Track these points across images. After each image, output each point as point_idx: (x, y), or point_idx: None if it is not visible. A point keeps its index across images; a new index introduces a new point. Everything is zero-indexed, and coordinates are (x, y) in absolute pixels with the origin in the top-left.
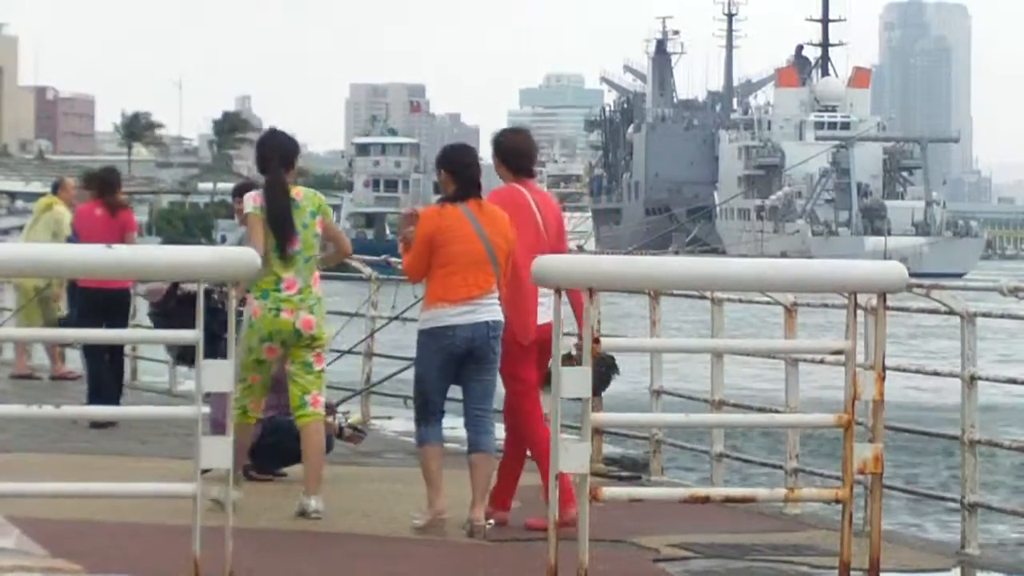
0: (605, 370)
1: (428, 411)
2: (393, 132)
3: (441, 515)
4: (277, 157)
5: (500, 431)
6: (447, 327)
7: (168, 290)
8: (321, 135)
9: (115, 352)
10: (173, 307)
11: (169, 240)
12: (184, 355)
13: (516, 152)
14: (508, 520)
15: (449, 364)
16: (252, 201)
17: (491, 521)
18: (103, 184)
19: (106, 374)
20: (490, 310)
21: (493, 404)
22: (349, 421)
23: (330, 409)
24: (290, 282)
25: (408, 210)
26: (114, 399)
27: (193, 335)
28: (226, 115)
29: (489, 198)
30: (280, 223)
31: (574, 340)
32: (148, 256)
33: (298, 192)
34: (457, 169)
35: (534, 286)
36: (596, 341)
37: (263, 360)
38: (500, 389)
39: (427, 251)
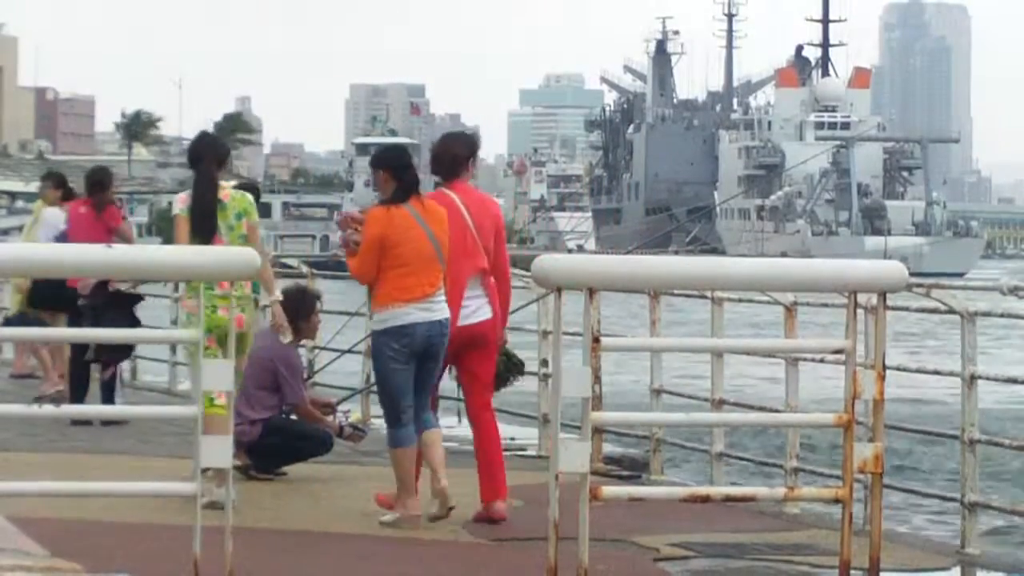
0: (505, 370)
1: (399, 412)
2: (393, 133)
3: (414, 514)
4: (209, 157)
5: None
6: (406, 326)
7: (96, 285)
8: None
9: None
10: (100, 303)
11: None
12: (99, 352)
13: (438, 158)
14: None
15: (410, 362)
16: (179, 203)
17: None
18: (89, 183)
19: (82, 372)
20: (442, 308)
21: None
22: (349, 420)
23: (330, 408)
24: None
25: (345, 214)
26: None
27: (193, 335)
28: (226, 116)
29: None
30: (204, 223)
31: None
32: (148, 256)
33: (226, 194)
34: (397, 169)
35: (460, 287)
36: (596, 341)
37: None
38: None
39: (377, 253)
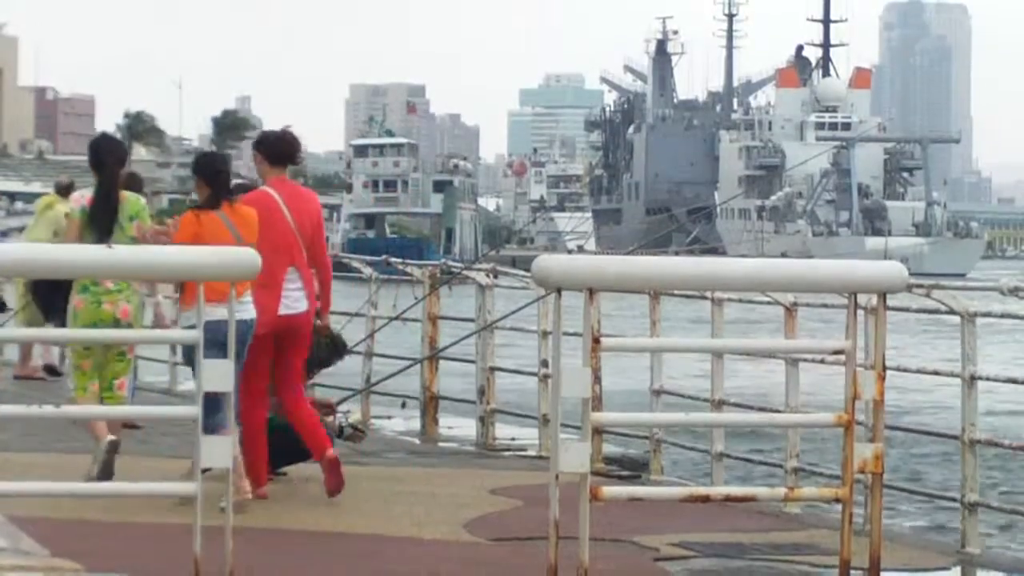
0: (328, 353)
1: (223, 402)
2: (391, 133)
3: (246, 497)
4: (112, 159)
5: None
6: (219, 322)
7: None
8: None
9: None
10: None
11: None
12: None
13: (268, 154)
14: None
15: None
16: (74, 203)
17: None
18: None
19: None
20: (247, 309)
21: None
22: (349, 420)
23: (330, 408)
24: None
25: (151, 231)
26: None
27: (193, 335)
28: (226, 115)
29: (243, 201)
30: (103, 223)
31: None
32: (148, 256)
33: (124, 195)
34: (209, 175)
35: (278, 282)
36: (596, 341)
37: (89, 347)
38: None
39: None
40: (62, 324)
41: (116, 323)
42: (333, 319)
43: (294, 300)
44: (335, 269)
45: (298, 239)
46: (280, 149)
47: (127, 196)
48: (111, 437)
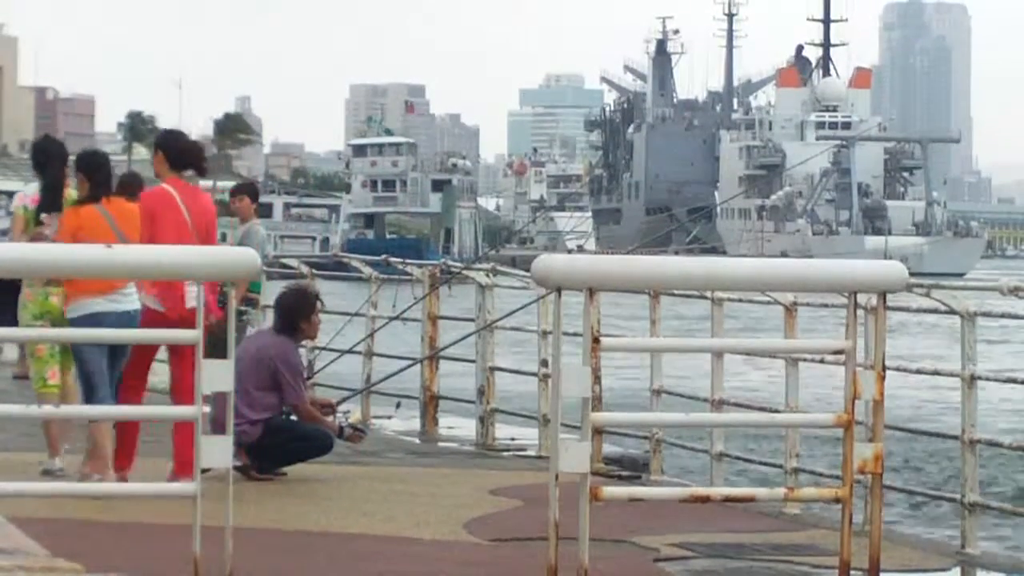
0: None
1: (95, 385)
2: (390, 133)
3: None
4: (58, 161)
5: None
6: (95, 315)
7: None
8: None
9: None
10: None
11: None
12: None
13: (168, 156)
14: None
15: (102, 346)
16: (19, 200)
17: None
18: (120, 186)
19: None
20: (131, 299)
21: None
22: (349, 421)
23: (330, 409)
24: None
25: (35, 234)
26: None
27: (193, 335)
28: (227, 115)
29: (141, 197)
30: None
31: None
32: (148, 256)
33: (68, 195)
34: (90, 172)
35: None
36: (596, 341)
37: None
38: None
39: None
40: (13, 322)
41: (62, 315)
42: (333, 319)
43: (193, 296)
44: (335, 268)
45: (193, 235)
46: (185, 160)
47: (71, 195)
48: (55, 465)
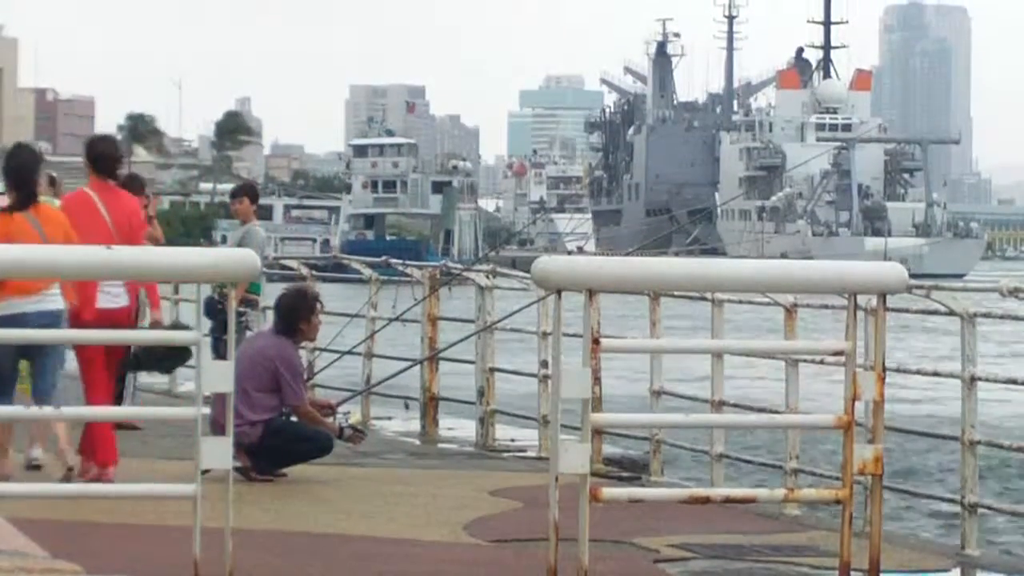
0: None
1: (4, 384)
2: (390, 133)
3: (5, 473)
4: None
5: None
6: (18, 315)
7: None
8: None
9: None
10: None
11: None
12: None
13: (90, 159)
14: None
15: (17, 346)
16: None
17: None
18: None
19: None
20: (55, 300)
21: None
22: (349, 422)
23: (330, 410)
24: None
25: None
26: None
27: (193, 336)
28: (227, 116)
29: (63, 201)
30: None
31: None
32: (148, 257)
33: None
34: (17, 180)
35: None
36: (596, 342)
37: None
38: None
39: None
40: None
41: None
42: (333, 319)
43: (114, 296)
44: (334, 270)
45: (115, 235)
46: (99, 165)
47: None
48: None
